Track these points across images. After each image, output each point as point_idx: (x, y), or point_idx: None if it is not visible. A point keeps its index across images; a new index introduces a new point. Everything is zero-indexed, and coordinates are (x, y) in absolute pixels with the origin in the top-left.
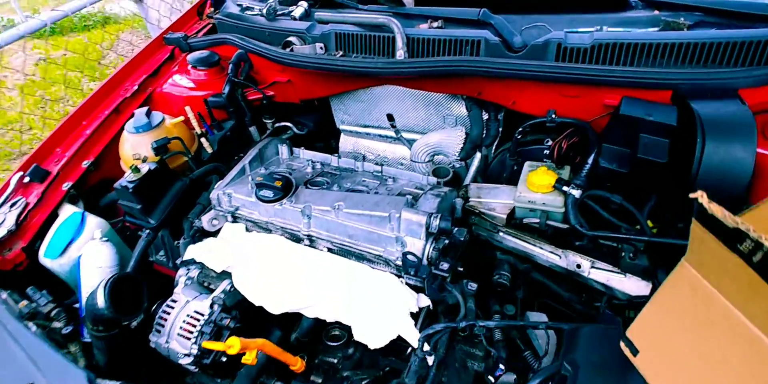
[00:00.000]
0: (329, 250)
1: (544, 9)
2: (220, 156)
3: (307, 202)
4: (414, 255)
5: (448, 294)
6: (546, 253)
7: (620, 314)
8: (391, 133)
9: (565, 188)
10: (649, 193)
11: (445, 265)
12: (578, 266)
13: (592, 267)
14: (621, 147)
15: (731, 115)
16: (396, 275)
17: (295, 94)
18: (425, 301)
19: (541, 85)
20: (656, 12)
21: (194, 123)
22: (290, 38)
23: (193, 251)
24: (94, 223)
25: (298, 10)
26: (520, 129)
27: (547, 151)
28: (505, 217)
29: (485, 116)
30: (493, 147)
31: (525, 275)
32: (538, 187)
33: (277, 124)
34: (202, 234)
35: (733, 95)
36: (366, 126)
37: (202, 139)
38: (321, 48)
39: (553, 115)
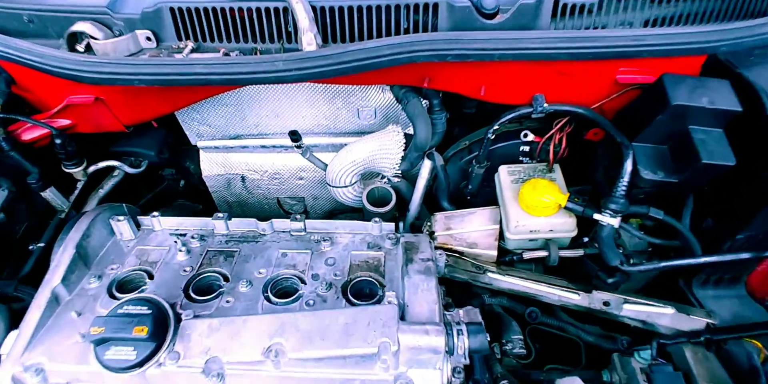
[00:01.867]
0: None
1: None
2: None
3: (210, 351)
4: None
5: None
6: (559, 293)
7: (665, 357)
8: (277, 142)
9: (598, 217)
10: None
11: None
12: (606, 304)
13: (626, 303)
14: (655, 144)
15: None
16: None
17: (113, 119)
18: None
19: (528, 64)
20: None
21: None
22: (79, 26)
23: None
24: None
25: None
26: (495, 126)
27: (524, 148)
28: (494, 253)
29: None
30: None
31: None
32: (541, 209)
33: (92, 168)
34: None
35: None
36: (238, 137)
37: None
38: (150, 39)
39: (545, 104)
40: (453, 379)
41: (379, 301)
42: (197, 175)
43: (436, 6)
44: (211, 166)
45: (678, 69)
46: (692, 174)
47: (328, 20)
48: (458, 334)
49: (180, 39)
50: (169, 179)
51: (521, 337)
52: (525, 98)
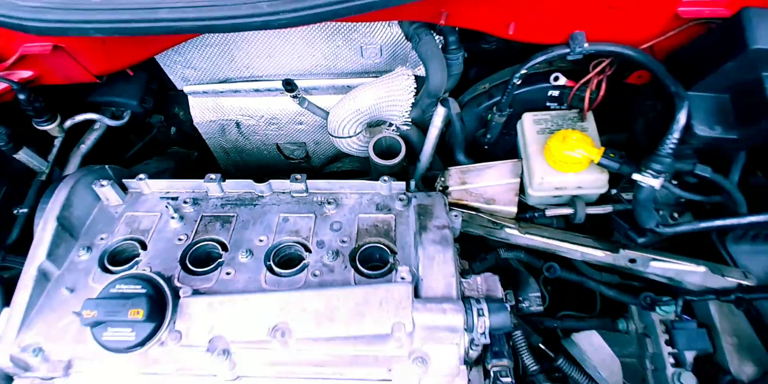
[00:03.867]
0: None
1: None
2: None
3: (213, 329)
4: None
5: None
6: (583, 250)
7: (688, 310)
8: (271, 85)
9: (638, 177)
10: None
11: None
12: (632, 261)
13: (654, 260)
14: (715, 93)
15: None
16: None
17: (81, 68)
18: None
19: None
20: None
21: None
22: None
23: None
24: None
25: None
26: (523, 70)
27: (553, 93)
28: (514, 210)
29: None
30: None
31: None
32: (570, 165)
33: (69, 123)
34: None
35: None
36: (227, 80)
37: None
38: None
39: (585, 43)
40: (470, 351)
41: (390, 271)
42: (188, 122)
43: None
44: (202, 112)
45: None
46: (758, 130)
47: None
48: (479, 314)
49: None
50: (159, 127)
51: (539, 294)
52: (561, 37)
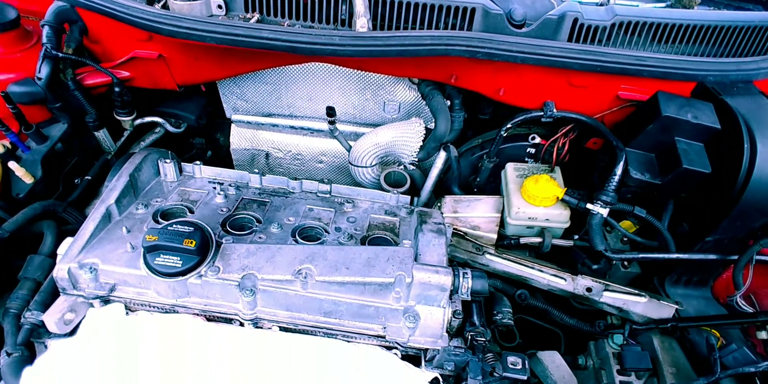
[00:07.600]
0: (282, 328)
1: None
2: (50, 186)
3: (247, 268)
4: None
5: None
6: (548, 277)
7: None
8: (305, 124)
9: (590, 206)
10: (663, 200)
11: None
12: (588, 290)
13: (606, 290)
14: (644, 151)
15: None
16: (385, 347)
17: (170, 77)
18: (430, 374)
19: (544, 70)
20: None
21: None
22: None
23: (33, 380)
24: None
25: None
26: (508, 125)
27: (531, 150)
28: (494, 236)
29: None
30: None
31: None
32: (540, 200)
33: (139, 121)
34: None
35: (751, 87)
36: (270, 115)
37: (11, 163)
38: (221, 7)
39: (554, 110)
40: (453, 319)
41: None
42: (225, 148)
43: (473, 10)
44: (240, 140)
45: (671, 91)
46: (673, 178)
47: (379, 11)
48: (464, 277)
49: (247, 10)
50: (198, 148)
51: (510, 309)
52: (537, 104)
